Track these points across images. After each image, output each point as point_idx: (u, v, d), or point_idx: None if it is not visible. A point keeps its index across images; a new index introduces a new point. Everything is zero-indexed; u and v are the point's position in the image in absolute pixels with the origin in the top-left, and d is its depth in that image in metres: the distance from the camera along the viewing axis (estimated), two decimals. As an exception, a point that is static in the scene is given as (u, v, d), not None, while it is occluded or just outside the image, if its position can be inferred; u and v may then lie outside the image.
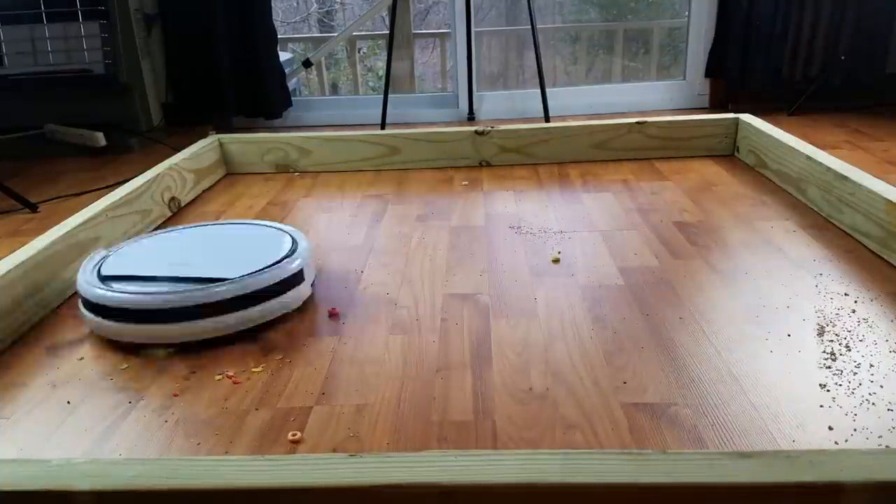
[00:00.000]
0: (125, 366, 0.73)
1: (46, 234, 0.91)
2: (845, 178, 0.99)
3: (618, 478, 0.44)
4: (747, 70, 1.99)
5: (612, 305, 0.81)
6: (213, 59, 2.01)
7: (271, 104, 2.07)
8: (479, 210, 1.16)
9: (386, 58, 1.94)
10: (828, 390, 0.63)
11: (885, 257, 0.89)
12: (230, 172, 1.47)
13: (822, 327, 0.74)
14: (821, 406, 0.61)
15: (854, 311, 0.77)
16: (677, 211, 1.11)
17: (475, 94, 2.12)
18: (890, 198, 0.88)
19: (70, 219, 0.96)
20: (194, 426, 0.62)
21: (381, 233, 1.08)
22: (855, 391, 0.63)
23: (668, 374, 0.67)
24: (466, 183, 1.24)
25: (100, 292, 0.76)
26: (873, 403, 0.61)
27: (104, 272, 0.80)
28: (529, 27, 1.90)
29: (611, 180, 1.29)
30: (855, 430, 0.58)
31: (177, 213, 1.23)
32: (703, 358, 0.69)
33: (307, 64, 2.27)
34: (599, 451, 0.47)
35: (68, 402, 0.67)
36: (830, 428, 0.58)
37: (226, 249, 0.85)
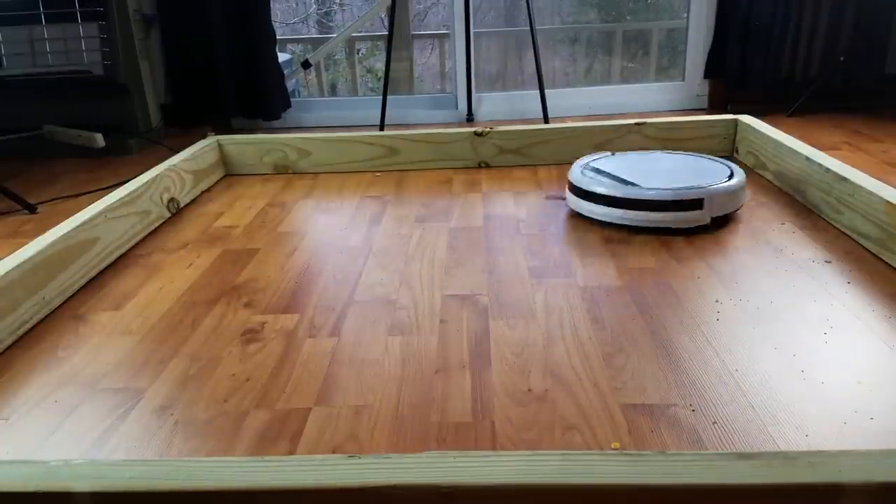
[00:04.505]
0: (125, 366, 0.73)
1: (45, 235, 0.91)
2: (845, 179, 0.99)
3: (616, 479, 0.44)
4: (746, 71, 1.99)
5: (610, 306, 0.81)
6: (212, 59, 2.01)
7: (270, 105, 2.07)
8: (478, 211, 1.16)
9: (385, 59, 1.94)
10: (827, 391, 0.63)
11: (884, 258, 0.90)
12: (229, 174, 1.47)
13: (821, 328, 0.74)
14: (820, 407, 0.61)
15: (853, 313, 0.77)
16: (676, 212, 1.11)
17: (474, 95, 2.12)
18: (889, 199, 0.89)
19: (69, 220, 0.96)
20: (193, 427, 0.62)
21: (380, 234, 1.08)
22: (854, 392, 0.63)
23: (666, 375, 0.67)
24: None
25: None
26: (872, 405, 0.61)
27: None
28: (528, 28, 1.91)
29: (610, 181, 1.29)
30: (854, 431, 0.58)
31: (176, 215, 1.23)
32: (701, 359, 0.69)
33: (306, 65, 2.27)
34: (598, 452, 0.47)
35: (67, 403, 0.67)
36: (832, 427, 0.58)
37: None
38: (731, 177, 1.07)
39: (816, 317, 0.76)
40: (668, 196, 1.01)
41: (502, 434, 0.59)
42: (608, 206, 1.04)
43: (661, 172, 1.11)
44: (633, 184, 1.05)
